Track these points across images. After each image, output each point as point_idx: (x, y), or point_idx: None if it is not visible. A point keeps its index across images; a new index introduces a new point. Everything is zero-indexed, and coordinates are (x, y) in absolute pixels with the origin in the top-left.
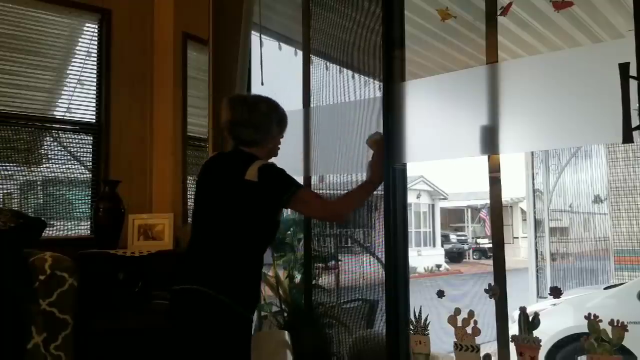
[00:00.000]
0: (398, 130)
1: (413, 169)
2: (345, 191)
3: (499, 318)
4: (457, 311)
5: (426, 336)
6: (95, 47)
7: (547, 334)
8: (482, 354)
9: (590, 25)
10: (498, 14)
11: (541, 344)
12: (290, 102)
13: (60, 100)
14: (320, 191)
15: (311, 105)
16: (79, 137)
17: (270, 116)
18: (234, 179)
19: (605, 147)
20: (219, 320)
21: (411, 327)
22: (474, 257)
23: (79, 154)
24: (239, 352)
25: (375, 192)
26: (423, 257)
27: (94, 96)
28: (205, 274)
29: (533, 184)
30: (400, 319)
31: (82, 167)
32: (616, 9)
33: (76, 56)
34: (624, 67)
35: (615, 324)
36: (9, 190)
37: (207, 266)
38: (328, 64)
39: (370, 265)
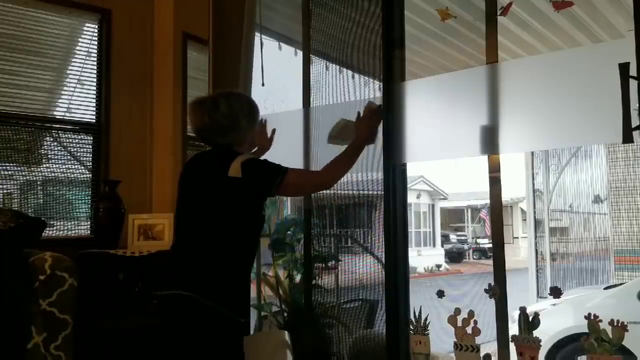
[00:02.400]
0: (398, 130)
1: (413, 169)
2: (346, 191)
3: (499, 318)
4: (457, 311)
5: (426, 336)
6: (95, 47)
7: (547, 334)
8: (482, 354)
9: (590, 25)
10: (498, 14)
11: (541, 344)
12: (290, 102)
13: (60, 100)
14: (321, 192)
15: (311, 105)
16: (79, 137)
17: (233, 114)
18: (217, 177)
19: (605, 147)
20: (206, 326)
21: (411, 327)
22: (474, 257)
23: (79, 154)
24: (229, 357)
25: (374, 192)
26: (423, 257)
27: (94, 96)
28: (191, 278)
29: (533, 184)
30: (400, 319)
31: (82, 167)
32: (616, 9)
33: (76, 56)
34: (624, 67)
35: (615, 324)
36: (9, 190)
37: (192, 270)
38: (328, 64)
39: (370, 265)
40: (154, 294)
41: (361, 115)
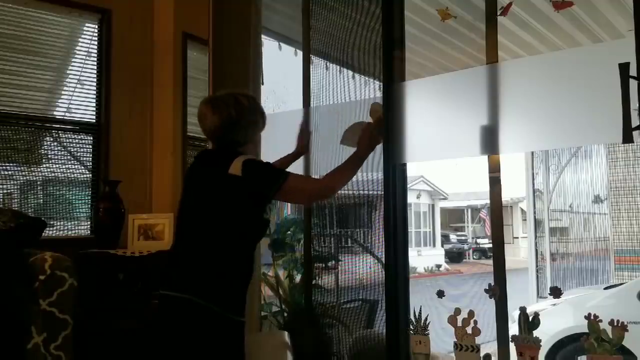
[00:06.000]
0: (398, 130)
1: (413, 169)
2: (346, 191)
3: (499, 318)
4: (457, 311)
5: (426, 336)
6: (95, 47)
7: (547, 334)
8: (482, 354)
9: (590, 25)
10: (498, 14)
11: (541, 344)
12: (290, 102)
13: (60, 100)
14: None
15: (311, 105)
16: (79, 137)
17: (254, 111)
18: (217, 174)
19: (605, 147)
20: (205, 328)
21: (411, 327)
22: (474, 257)
23: (79, 154)
24: (231, 358)
25: (374, 192)
26: (423, 257)
27: (94, 96)
28: (189, 279)
29: (533, 184)
30: (400, 319)
31: (82, 167)
32: (616, 9)
33: (76, 56)
34: (624, 67)
35: (615, 324)
36: (9, 190)
37: (190, 270)
38: (328, 64)
39: (370, 265)
40: (157, 292)
41: (370, 119)
